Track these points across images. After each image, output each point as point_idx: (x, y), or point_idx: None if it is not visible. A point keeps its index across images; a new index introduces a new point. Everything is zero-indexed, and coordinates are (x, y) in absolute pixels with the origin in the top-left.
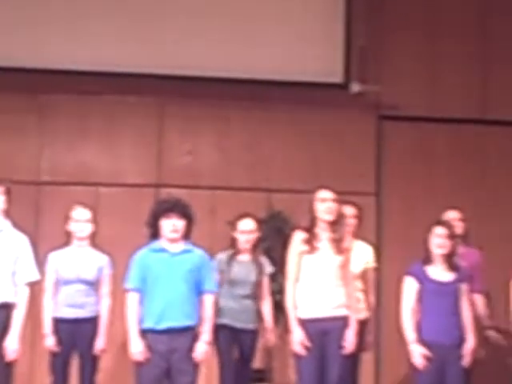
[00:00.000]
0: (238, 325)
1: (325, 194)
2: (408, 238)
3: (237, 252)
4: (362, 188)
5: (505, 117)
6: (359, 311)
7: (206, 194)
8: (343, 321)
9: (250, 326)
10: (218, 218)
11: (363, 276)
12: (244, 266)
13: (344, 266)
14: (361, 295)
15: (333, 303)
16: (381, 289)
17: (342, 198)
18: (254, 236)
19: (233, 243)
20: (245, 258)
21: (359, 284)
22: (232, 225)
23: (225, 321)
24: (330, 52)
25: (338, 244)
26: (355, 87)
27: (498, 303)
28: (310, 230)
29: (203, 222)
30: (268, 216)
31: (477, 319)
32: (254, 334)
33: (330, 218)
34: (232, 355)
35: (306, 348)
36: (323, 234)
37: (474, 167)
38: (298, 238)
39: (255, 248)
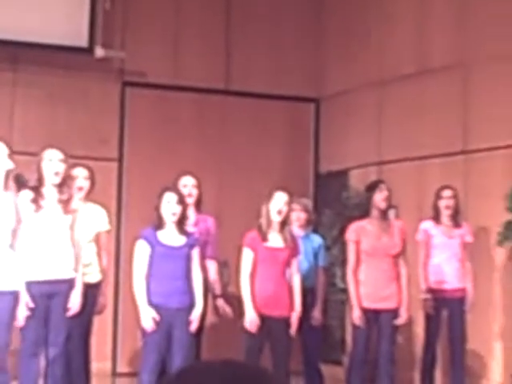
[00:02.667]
0: None
1: (52, 154)
2: (149, 203)
3: None
4: (105, 153)
5: (247, 88)
6: (89, 274)
7: None
8: (69, 283)
9: None
10: None
11: (96, 239)
12: None
13: (71, 226)
14: (94, 258)
15: (59, 265)
16: (120, 253)
17: (82, 161)
18: None
19: None
20: None
21: (93, 247)
22: None
23: None
24: (75, 15)
25: (65, 204)
26: (99, 52)
27: (235, 271)
28: (37, 189)
29: None
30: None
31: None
32: None
33: (57, 180)
34: None
35: (31, 310)
36: (51, 194)
37: (218, 136)
38: (24, 197)
39: None
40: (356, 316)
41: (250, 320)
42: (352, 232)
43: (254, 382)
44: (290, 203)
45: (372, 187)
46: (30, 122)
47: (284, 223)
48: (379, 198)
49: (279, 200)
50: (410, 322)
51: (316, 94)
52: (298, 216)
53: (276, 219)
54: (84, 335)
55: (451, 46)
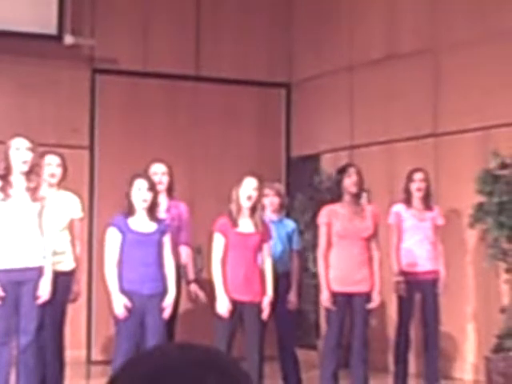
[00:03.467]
0: None
1: (19, 143)
2: (121, 191)
3: None
4: (76, 141)
5: (218, 74)
6: (62, 262)
7: None
8: (38, 271)
9: None
10: None
11: (70, 227)
12: None
13: (40, 214)
14: (68, 246)
15: (28, 253)
16: (93, 240)
17: (53, 149)
18: None
19: None
20: None
21: (66, 235)
22: None
23: None
24: (43, 2)
25: (33, 192)
26: (69, 39)
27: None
28: (5, 177)
29: None
30: None
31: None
32: None
33: (25, 168)
34: None
35: (0, 298)
36: (19, 183)
37: (189, 122)
38: None
39: None
40: (325, 298)
41: (222, 305)
42: (323, 215)
43: (206, 365)
44: (259, 188)
45: (341, 172)
46: (0, 111)
47: (254, 208)
48: (348, 183)
49: (248, 185)
50: (383, 305)
51: (287, 78)
52: (272, 201)
53: (246, 205)
54: (58, 323)
55: (421, 31)
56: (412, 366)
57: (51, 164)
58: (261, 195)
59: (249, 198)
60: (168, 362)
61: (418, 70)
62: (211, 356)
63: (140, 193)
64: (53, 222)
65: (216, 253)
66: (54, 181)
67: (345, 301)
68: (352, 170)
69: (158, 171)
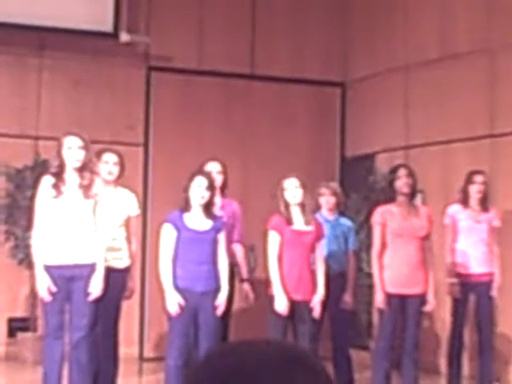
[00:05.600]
0: None
1: (71, 142)
2: (174, 188)
3: None
4: (130, 139)
5: (272, 72)
6: (118, 259)
7: None
8: (91, 268)
9: None
10: None
11: (126, 224)
12: None
13: (93, 211)
14: (124, 243)
15: (80, 249)
16: (146, 237)
17: (110, 147)
18: None
19: None
20: None
21: (123, 232)
22: None
23: None
24: (100, 0)
25: (86, 189)
26: (124, 37)
27: (261, 256)
28: (58, 175)
29: None
30: (34, 163)
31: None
32: None
33: (77, 164)
34: None
35: (52, 294)
36: (72, 180)
37: (243, 121)
38: (45, 182)
39: None
40: (379, 300)
41: (280, 303)
42: (378, 215)
43: (295, 362)
44: (302, 186)
45: (393, 172)
46: (57, 108)
47: (302, 205)
48: (400, 184)
49: (290, 185)
50: (436, 307)
51: (341, 78)
52: (327, 200)
53: (293, 202)
54: (112, 320)
55: (477, 30)
56: (466, 368)
57: (108, 162)
58: (311, 193)
59: (294, 196)
60: (256, 356)
61: (473, 69)
62: (299, 353)
63: (199, 189)
64: (110, 219)
65: (272, 251)
66: (111, 178)
67: (399, 302)
68: (403, 171)
69: (214, 170)
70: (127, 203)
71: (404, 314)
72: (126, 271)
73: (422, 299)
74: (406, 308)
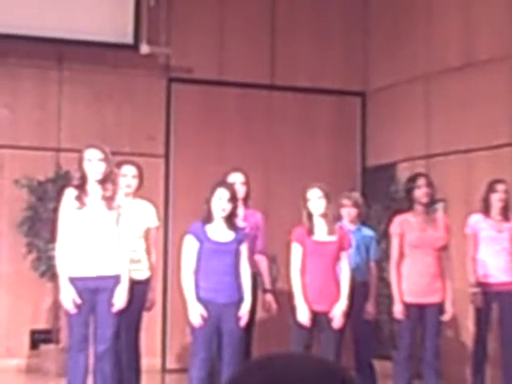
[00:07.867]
0: None
1: (91, 154)
2: (196, 200)
3: None
4: (151, 150)
5: (293, 83)
6: (138, 270)
7: None
8: (115, 279)
9: None
10: (4, 176)
11: (146, 235)
12: None
13: (116, 222)
14: (143, 254)
15: (104, 261)
16: (168, 248)
17: (130, 158)
18: None
19: None
20: None
21: (142, 243)
22: None
23: None
24: (120, 12)
25: (109, 201)
26: (145, 48)
27: (283, 267)
28: (81, 187)
29: None
30: (56, 175)
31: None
32: None
33: (98, 176)
34: None
35: (77, 306)
36: (94, 192)
37: (264, 131)
38: (68, 194)
39: None
40: (398, 310)
41: (303, 314)
42: (396, 225)
43: (328, 376)
44: (325, 196)
45: (411, 181)
46: (77, 120)
47: (325, 216)
48: (419, 194)
49: (313, 196)
50: (459, 316)
51: (362, 87)
52: (349, 211)
53: (316, 213)
54: (133, 332)
55: (498, 38)
56: (489, 377)
57: (127, 175)
58: (333, 203)
59: (316, 207)
60: (288, 370)
61: (495, 77)
62: (331, 367)
63: (220, 202)
64: (129, 231)
65: (295, 262)
66: (129, 191)
67: (417, 312)
68: (423, 181)
69: (237, 180)
70: (146, 215)
71: (423, 323)
72: (146, 283)
73: (440, 308)
74: (424, 317)
